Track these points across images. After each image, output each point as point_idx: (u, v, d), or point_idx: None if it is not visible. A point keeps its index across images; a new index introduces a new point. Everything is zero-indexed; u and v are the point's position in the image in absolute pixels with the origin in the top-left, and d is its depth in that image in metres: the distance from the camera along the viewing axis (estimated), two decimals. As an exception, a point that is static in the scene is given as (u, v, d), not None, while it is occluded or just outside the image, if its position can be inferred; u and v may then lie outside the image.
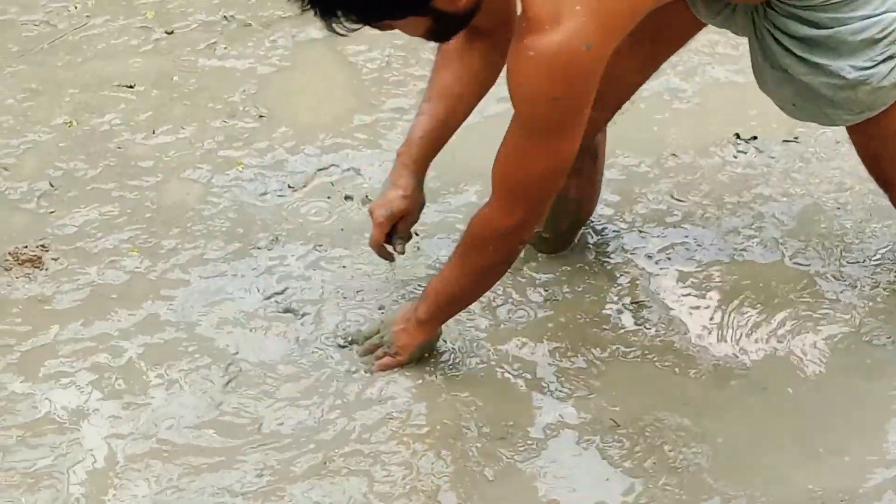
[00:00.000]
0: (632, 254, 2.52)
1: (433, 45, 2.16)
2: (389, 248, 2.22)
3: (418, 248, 2.45)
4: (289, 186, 2.71)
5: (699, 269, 2.46)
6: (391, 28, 1.90)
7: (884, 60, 2.00)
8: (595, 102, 1.96)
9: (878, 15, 1.96)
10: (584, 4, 1.74)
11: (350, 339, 2.23)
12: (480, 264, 2.08)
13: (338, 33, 1.84)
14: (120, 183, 2.68)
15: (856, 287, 2.45)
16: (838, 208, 2.59)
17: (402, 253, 2.26)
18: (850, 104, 2.11)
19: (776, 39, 2.10)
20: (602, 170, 2.53)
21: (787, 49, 2.06)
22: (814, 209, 2.61)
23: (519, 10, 1.90)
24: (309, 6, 1.80)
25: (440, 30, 1.92)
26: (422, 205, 2.26)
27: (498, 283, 2.24)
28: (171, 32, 3.18)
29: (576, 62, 1.77)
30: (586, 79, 1.84)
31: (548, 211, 2.11)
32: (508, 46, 2.00)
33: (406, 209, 2.22)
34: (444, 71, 2.27)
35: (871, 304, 2.43)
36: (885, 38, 1.97)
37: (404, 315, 2.17)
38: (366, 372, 2.17)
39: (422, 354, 2.18)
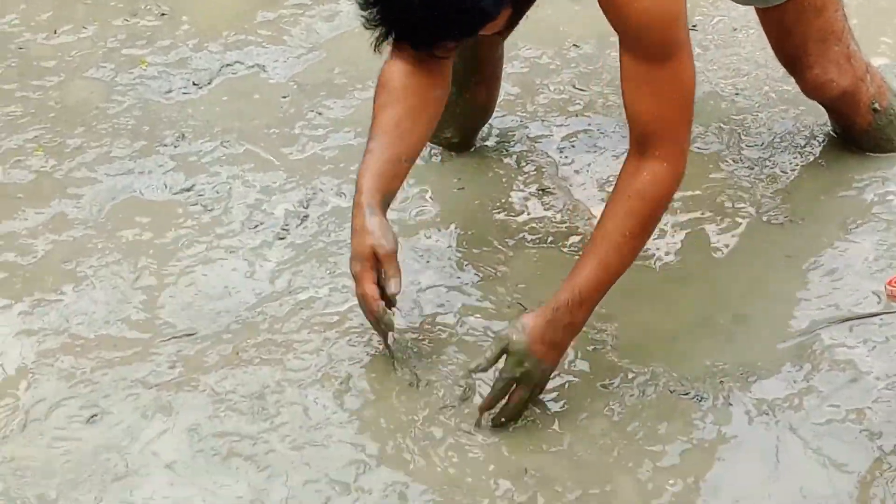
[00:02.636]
0: (536, 142, 2.55)
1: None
2: (383, 305, 1.88)
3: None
4: (193, 84, 2.68)
5: (602, 155, 2.49)
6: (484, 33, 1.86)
7: None
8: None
9: None
10: None
11: (467, 384, 1.93)
12: (653, 228, 2.00)
13: (439, 56, 1.83)
14: (22, 83, 2.65)
15: (755, 168, 2.52)
16: (736, 94, 2.64)
17: (398, 292, 1.92)
18: None
19: None
20: (499, 75, 2.55)
21: None
22: (712, 95, 2.66)
23: None
24: (415, 48, 1.77)
25: (516, 15, 1.93)
26: (397, 240, 1.95)
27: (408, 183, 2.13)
28: (69, -70, 3.19)
29: None
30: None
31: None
32: (445, 87, 2.05)
33: (385, 248, 1.90)
34: (389, 108, 2.00)
35: (770, 184, 2.50)
36: None
37: (542, 330, 1.85)
38: (494, 423, 1.85)
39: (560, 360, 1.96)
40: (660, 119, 1.89)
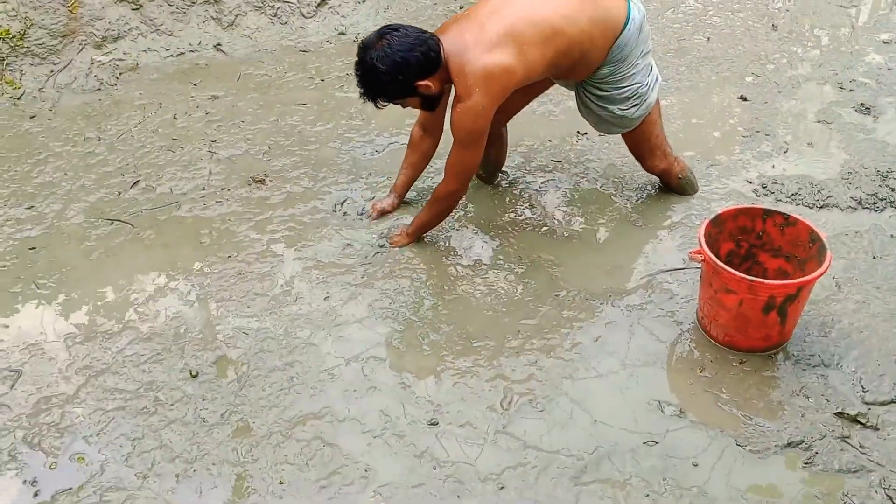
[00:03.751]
0: (528, 183, 3.75)
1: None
2: (375, 217, 3.45)
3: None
4: (376, 152, 3.98)
5: (559, 191, 3.69)
6: (405, 105, 3.04)
7: (632, 106, 3.25)
8: (500, 114, 3.11)
9: (630, 87, 3.20)
10: (480, 88, 2.89)
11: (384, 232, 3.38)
12: (438, 209, 3.25)
13: (377, 106, 3.04)
14: (302, 148, 3.91)
15: (629, 199, 3.64)
16: (623, 166, 3.84)
17: (376, 219, 3.47)
18: (621, 125, 3.37)
19: (587, 95, 3.30)
20: (507, 142, 3.66)
21: (591, 100, 3.30)
22: (612, 167, 3.87)
23: (453, 93, 2.99)
24: (364, 97, 2.98)
25: (426, 104, 3.08)
26: (396, 208, 3.48)
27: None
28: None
29: (478, 114, 2.94)
30: (483, 121, 2.96)
31: (473, 176, 3.19)
32: (439, 138, 3.34)
33: (389, 210, 3.47)
34: (411, 149, 3.46)
35: (634, 206, 3.60)
36: (632, 97, 3.23)
37: (403, 228, 3.31)
38: (387, 242, 3.33)
39: (407, 245, 3.31)
40: (452, 167, 3.07)
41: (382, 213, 3.42)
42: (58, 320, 3.06)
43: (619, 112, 3.25)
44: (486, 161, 3.44)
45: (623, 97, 3.22)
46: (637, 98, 3.22)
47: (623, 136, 3.44)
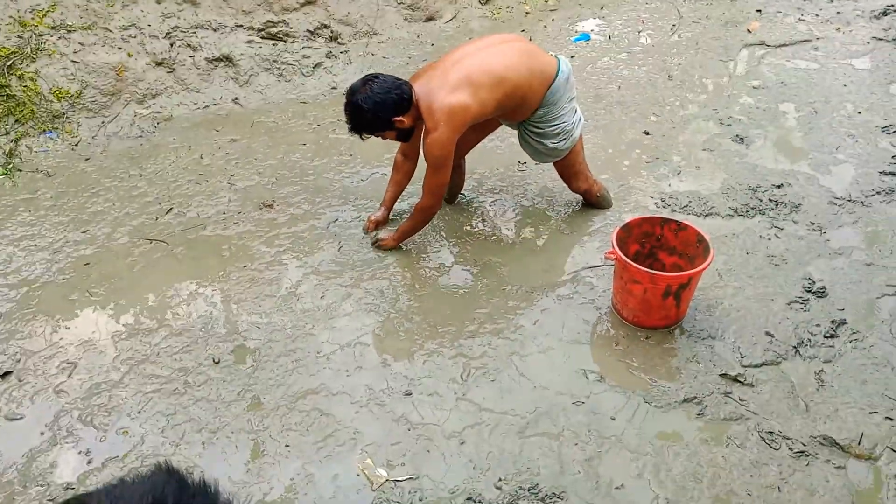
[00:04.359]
0: (480, 202, 3.75)
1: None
2: (372, 233, 3.38)
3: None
4: (361, 180, 3.93)
5: (506, 210, 3.68)
6: (385, 138, 3.04)
7: (561, 141, 3.26)
8: (459, 148, 3.21)
9: (560, 125, 3.21)
10: (444, 122, 2.89)
11: (373, 234, 3.32)
12: (418, 220, 3.23)
13: (362, 138, 3.06)
14: (307, 190, 3.88)
15: (559, 214, 3.62)
16: (553, 186, 3.80)
17: (375, 232, 3.39)
18: (552, 155, 3.36)
19: (526, 132, 3.30)
20: (465, 171, 3.66)
21: (530, 136, 3.30)
22: (546, 189, 3.81)
23: (425, 127, 2.96)
24: (352, 131, 2.97)
25: (401, 136, 3.08)
26: (386, 219, 3.44)
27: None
28: None
29: (444, 143, 2.94)
30: (448, 148, 2.97)
31: (445, 193, 3.18)
32: (416, 162, 3.26)
33: (382, 220, 3.42)
34: (395, 171, 3.43)
35: (562, 218, 3.57)
36: (561, 133, 3.23)
37: (392, 234, 3.29)
38: (372, 244, 3.27)
39: (393, 248, 3.28)
40: (427, 187, 3.06)
41: (377, 224, 3.38)
42: (107, 321, 3.02)
43: (551, 145, 3.25)
44: (449, 185, 3.45)
45: (554, 133, 3.23)
46: (565, 134, 3.23)
47: (554, 164, 3.45)
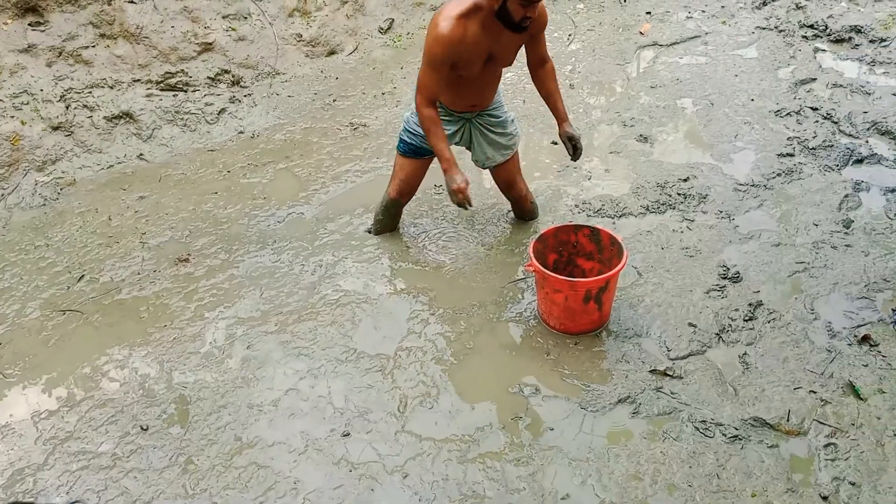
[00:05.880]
0: (401, 227, 3.74)
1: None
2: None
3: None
4: (282, 221, 3.96)
5: (432, 236, 3.69)
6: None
7: (516, 126, 3.34)
8: (403, 196, 3.26)
9: (507, 111, 3.28)
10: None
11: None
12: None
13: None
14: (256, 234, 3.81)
15: (497, 228, 3.67)
16: (472, 216, 3.60)
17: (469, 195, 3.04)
18: (510, 146, 3.36)
19: (484, 127, 3.30)
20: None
21: (489, 128, 3.31)
22: (461, 211, 3.75)
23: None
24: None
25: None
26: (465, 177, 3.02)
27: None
28: None
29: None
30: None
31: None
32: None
33: (467, 180, 3.00)
34: (438, 125, 3.03)
35: (496, 233, 3.63)
36: (513, 119, 3.32)
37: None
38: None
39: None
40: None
41: (467, 184, 3.03)
42: (25, 402, 2.90)
43: (511, 130, 3.33)
44: (394, 215, 3.56)
45: (510, 119, 3.35)
46: (514, 121, 3.36)
47: (500, 169, 3.45)
